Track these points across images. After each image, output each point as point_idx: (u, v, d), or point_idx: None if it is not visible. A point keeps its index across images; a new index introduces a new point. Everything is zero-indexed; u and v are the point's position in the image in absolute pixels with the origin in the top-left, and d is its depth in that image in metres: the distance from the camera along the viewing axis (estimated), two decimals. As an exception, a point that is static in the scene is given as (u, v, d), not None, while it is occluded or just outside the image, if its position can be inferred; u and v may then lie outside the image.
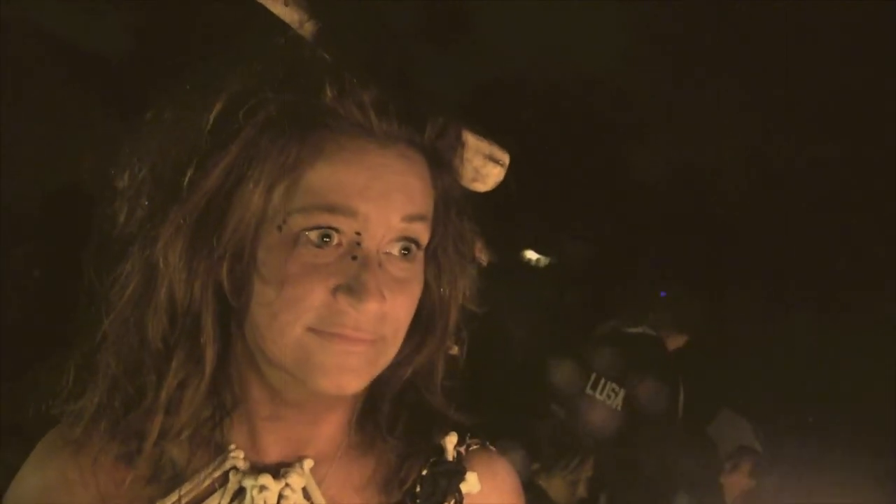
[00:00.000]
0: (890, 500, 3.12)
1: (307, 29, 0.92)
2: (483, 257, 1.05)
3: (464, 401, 1.02)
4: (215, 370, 0.90)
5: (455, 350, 1.01)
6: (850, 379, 3.86)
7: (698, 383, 3.82)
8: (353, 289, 0.82)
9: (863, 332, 3.87)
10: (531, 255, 4.96)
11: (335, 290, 0.83)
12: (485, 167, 0.96)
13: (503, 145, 0.97)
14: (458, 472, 0.97)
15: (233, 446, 0.92)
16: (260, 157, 0.84)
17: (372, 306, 0.82)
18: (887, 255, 3.54)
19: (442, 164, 0.92)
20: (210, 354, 0.88)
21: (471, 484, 0.97)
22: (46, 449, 0.96)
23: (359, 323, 0.83)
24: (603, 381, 3.71)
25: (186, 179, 0.85)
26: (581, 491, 3.26)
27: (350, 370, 0.85)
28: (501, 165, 0.97)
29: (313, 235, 0.83)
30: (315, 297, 0.83)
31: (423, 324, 0.96)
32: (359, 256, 0.84)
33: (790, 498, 3.45)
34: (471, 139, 0.95)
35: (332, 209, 0.83)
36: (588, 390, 3.72)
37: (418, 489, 0.95)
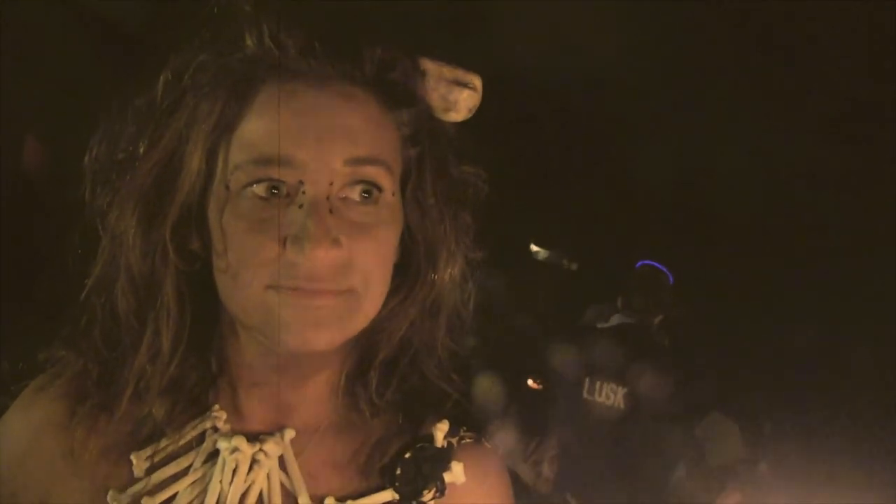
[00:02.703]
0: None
1: None
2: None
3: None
4: (198, 337, 0.90)
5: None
6: (849, 382, 3.87)
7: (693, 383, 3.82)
8: (298, 237, 0.78)
9: (864, 335, 3.87)
10: (533, 247, 4.96)
11: (284, 242, 0.79)
12: (451, 93, 0.90)
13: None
14: (442, 459, 0.93)
15: (216, 407, 0.92)
16: (197, 120, 0.84)
17: (319, 253, 0.78)
18: (891, 258, 3.53)
19: (399, 98, 0.89)
20: (172, 325, 0.87)
21: (455, 474, 0.94)
22: (34, 392, 0.95)
23: (313, 273, 0.80)
24: (599, 383, 3.68)
25: (140, 153, 0.86)
26: (546, 471, 3.23)
27: (315, 324, 0.81)
28: (471, 88, 0.91)
29: (258, 190, 0.81)
30: (266, 251, 0.80)
31: (410, 274, 0.92)
32: (304, 204, 0.80)
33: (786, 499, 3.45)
34: (430, 66, 0.90)
35: (267, 161, 0.81)
36: (586, 395, 3.68)
37: (398, 472, 0.92)
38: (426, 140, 0.91)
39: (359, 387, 0.94)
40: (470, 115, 0.92)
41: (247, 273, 0.81)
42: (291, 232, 0.79)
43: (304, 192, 0.81)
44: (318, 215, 0.80)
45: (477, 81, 0.91)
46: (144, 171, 0.86)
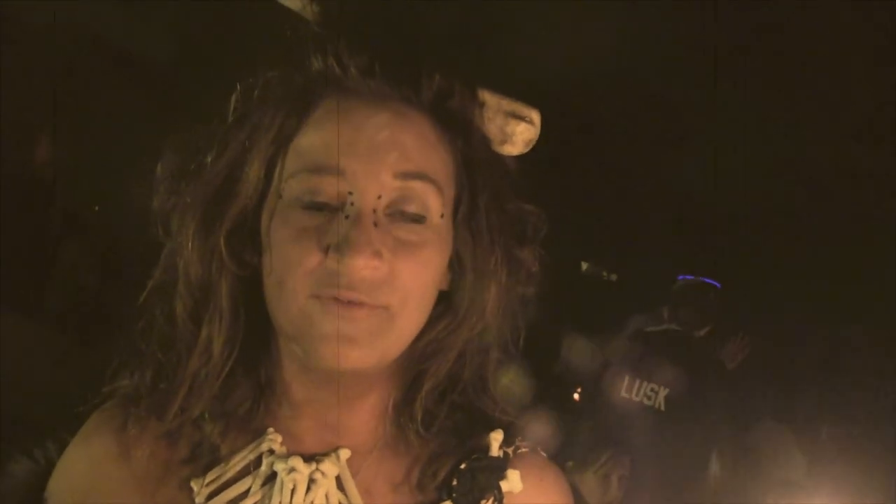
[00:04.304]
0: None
1: (309, 12, 0.93)
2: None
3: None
4: (249, 350, 0.92)
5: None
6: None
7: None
8: (340, 246, 0.81)
9: None
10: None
11: (327, 250, 0.82)
12: (508, 125, 0.92)
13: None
14: (498, 468, 0.93)
15: (271, 430, 0.93)
16: (259, 133, 0.88)
17: (359, 262, 0.80)
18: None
19: (455, 125, 0.90)
20: (223, 332, 0.89)
21: (512, 483, 0.93)
22: (94, 425, 0.97)
23: (352, 282, 0.81)
24: (638, 382, 3.70)
25: (207, 163, 0.90)
26: (614, 488, 3.20)
27: (350, 339, 0.82)
28: (528, 122, 0.92)
29: (308, 199, 0.84)
30: (310, 259, 0.82)
31: (457, 304, 0.92)
32: (350, 215, 0.82)
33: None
34: (489, 97, 0.92)
35: (319, 170, 0.84)
36: (623, 394, 3.73)
37: (455, 483, 0.91)
38: (482, 170, 0.92)
39: (405, 418, 0.94)
40: (527, 148, 0.94)
41: (291, 280, 0.83)
42: (334, 241, 0.81)
43: (352, 204, 0.83)
44: (362, 226, 0.82)
45: (535, 116, 0.92)
46: (208, 180, 0.90)
